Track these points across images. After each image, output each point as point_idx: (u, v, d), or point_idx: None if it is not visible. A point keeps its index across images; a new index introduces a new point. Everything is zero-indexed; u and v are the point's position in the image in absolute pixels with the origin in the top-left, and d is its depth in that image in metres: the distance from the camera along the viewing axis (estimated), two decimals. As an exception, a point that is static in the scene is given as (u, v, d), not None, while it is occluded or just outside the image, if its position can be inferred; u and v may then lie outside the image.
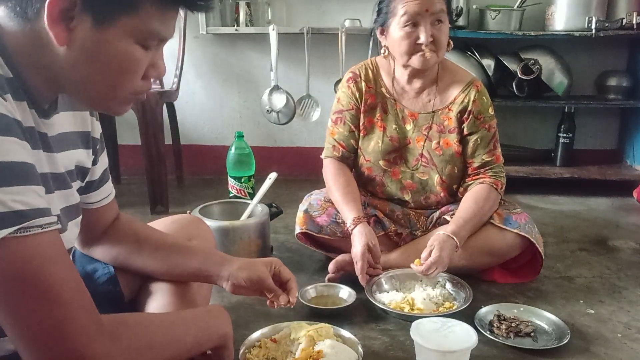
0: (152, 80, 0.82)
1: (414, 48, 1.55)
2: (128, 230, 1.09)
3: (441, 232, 1.52)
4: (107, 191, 1.06)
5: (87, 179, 0.99)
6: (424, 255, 1.48)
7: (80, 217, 0.96)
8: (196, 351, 0.90)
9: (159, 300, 1.09)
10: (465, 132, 1.66)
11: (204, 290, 1.20)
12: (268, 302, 1.12)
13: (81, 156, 0.94)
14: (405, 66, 1.62)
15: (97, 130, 0.99)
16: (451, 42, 1.62)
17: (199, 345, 0.90)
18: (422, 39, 1.52)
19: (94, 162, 0.99)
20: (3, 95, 0.68)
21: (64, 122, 0.87)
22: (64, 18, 0.69)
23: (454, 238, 1.49)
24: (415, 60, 1.57)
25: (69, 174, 0.89)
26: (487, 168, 1.67)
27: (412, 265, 1.50)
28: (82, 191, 0.99)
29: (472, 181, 1.67)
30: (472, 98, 1.64)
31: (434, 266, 1.45)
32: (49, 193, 0.78)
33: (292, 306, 1.11)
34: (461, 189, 1.71)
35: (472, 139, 1.66)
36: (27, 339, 0.67)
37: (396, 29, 1.55)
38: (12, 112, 0.68)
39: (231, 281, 1.07)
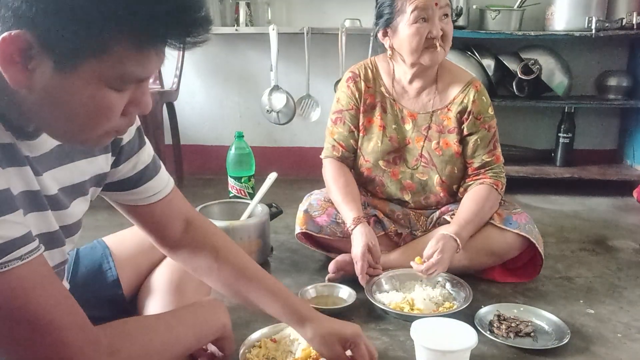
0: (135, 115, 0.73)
1: (425, 44, 1.55)
2: (206, 243, 1.03)
3: (443, 232, 1.52)
4: (160, 186, 0.99)
5: (113, 179, 0.94)
6: (426, 253, 1.48)
7: (80, 231, 0.92)
8: (196, 346, 0.91)
9: (158, 300, 1.09)
10: (465, 132, 1.66)
11: (204, 289, 1.20)
12: None
13: (93, 164, 0.89)
14: (413, 64, 1.61)
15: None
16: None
17: (199, 341, 0.90)
18: (435, 32, 1.52)
19: (116, 164, 0.93)
20: None
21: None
22: (20, 59, 0.61)
23: (456, 239, 1.49)
24: (426, 57, 1.56)
25: (65, 192, 0.84)
26: (487, 168, 1.67)
27: (412, 263, 1.50)
28: (112, 188, 0.94)
29: (472, 181, 1.67)
30: (471, 98, 1.64)
31: (435, 267, 1.45)
32: (43, 210, 0.75)
33: None
34: (461, 190, 1.71)
35: (472, 139, 1.66)
36: None
37: (405, 27, 1.55)
38: None
39: (311, 347, 1.04)
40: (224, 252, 1.03)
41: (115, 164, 0.93)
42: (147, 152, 0.97)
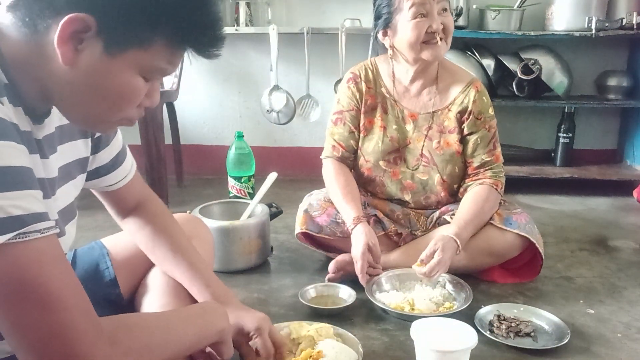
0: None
1: (425, 38, 1.54)
2: (149, 223, 1.11)
3: (443, 232, 1.52)
4: (124, 172, 1.08)
5: (92, 167, 1.00)
6: (426, 253, 1.48)
7: (76, 217, 0.96)
8: (195, 348, 0.91)
9: (155, 300, 1.09)
10: (466, 131, 1.66)
11: None
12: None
13: (79, 147, 0.94)
14: (415, 60, 1.61)
15: None
16: None
17: (198, 343, 0.90)
18: (435, 26, 1.52)
19: (95, 150, 1.00)
20: (0, 98, 0.68)
21: (55, 117, 0.85)
22: (74, 39, 0.69)
23: (457, 240, 1.49)
24: (428, 52, 1.56)
25: (65, 170, 0.89)
26: (486, 168, 1.67)
27: (413, 266, 1.50)
28: (91, 176, 1.01)
29: (471, 182, 1.67)
30: (472, 98, 1.64)
31: (437, 268, 1.45)
32: (46, 198, 0.77)
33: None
34: (461, 190, 1.71)
35: (472, 138, 1.66)
36: (26, 345, 0.66)
37: (404, 24, 1.55)
38: (10, 116, 0.68)
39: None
40: (161, 233, 1.11)
41: (94, 150, 0.99)
42: (119, 138, 1.06)
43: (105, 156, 1.02)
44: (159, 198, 1.19)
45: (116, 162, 1.05)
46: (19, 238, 0.65)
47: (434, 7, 1.53)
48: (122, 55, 0.71)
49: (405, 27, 1.55)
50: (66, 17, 0.67)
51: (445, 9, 1.56)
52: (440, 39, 1.54)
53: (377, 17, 1.62)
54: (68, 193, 0.92)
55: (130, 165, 1.10)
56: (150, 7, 0.70)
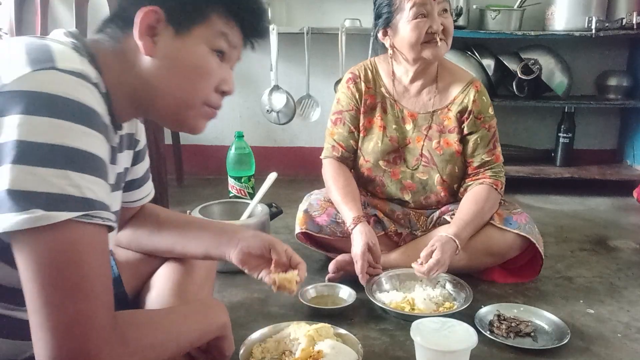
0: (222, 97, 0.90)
1: (425, 38, 1.55)
2: (151, 214, 1.13)
3: (443, 233, 1.52)
4: (147, 190, 1.11)
5: (128, 178, 1.03)
6: (423, 254, 1.48)
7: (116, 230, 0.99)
8: (197, 344, 0.92)
9: (159, 299, 1.09)
10: (466, 131, 1.66)
11: (205, 289, 1.20)
12: (268, 276, 1.06)
13: (126, 157, 0.98)
14: (416, 60, 1.61)
15: (140, 131, 1.03)
16: None
17: (199, 339, 0.91)
18: (435, 27, 1.53)
19: (134, 163, 1.03)
20: (99, 102, 0.74)
21: (124, 127, 0.92)
22: (150, 31, 0.80)
23: (456, 240, 1.49)
24: (428, 52, 1.56)
25: (118, 178, 0.93)
26: (486, 167, 1.67)
27: (413, 265, 1.50)
28: (125, 188, 1.03)
29: (471, 182, 1.68)
30: (471, 98, 1.64)
31: (435, 267, 1.45)
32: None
33: (301, 281, 1.07)
34: (461, 190, 1.71)
35: (472, 138, 1.66)
36: (47, 326, 0.66)
37: (405, 24, 1.55)
38: (105, 118, 0.75)
39: (240, 246, 1.05)
40: (164, 215, 1.14)
41: (133, 162, 1.03)
42: (147, 157, 1.10)
43: (139, 170, 1.06)
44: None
45: (145, 178, 1.09)
46: (84, 219, 0.68)
47: (435, 7, 1.53)
48: (190, 33, 0.82)
49: (405, 27, 1.55)
50: (140, 14, 0.79)
51: (445, 10, 1.56)
52: (441, 40, 1.54)
53: (377, 17, 1.62)
54: (116, 201, 0.94)
55: (152, 185, 1.13)
56: None
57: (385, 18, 1.59)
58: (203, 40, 0.83)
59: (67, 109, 0.68)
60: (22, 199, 0.65)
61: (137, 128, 1.02)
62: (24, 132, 0.66)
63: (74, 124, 0.68)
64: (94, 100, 0.72)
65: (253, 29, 0.89)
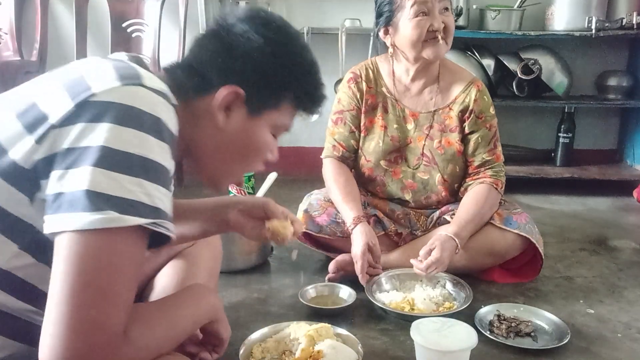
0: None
1: (426, 36, 1.55)
2: None
3: (443, 232, 1.52)
4: None
5: None
6: (422, 252, 1.48)
7: None
8: (192, 330, 0.92)
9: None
10: (467, 130, 1.66)
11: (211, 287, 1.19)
12: (266, 233, 1.11)
13: None
14: (417, 59, 1.61)
15: None
16: None
17: (194, 324, 0.91)
18: (436, 25, 1.53)
19: None
20: (175, 122, 0.80)
21: None
22: (227, 107, 0.87)
23: (455, 240, 1.49)
24: (429, 51, 1.56)
25: None
26: (487, 167, 1.67)
27: (412, 261, 1.50)
28: None
29: (472, 181, 1.68)
30: (473, 97, 1.64)
31: (434, 266, 1.45)
32: None
33: (297, 233, 1.14)
34: (462, 189, 1.71)
35: (473, 137, 1.66)
36: (64, 321, 0.66)
37: (406, 22, 1.55)
38: (175, 137, 0.80)
39: (237, 208, 1.12)
40: None
41: None
42: None
43: None
44: None
45: None
46: (151, 226, 0.72)
47: (436, 5, 1.53)
48: (261, 116, 0.90)
49: (406, 25, 1.55)
50: (225, 91, 0.85)
51: (446, 8, 1.56)
52: (442, 38, 1.55)
53: (378, 15, 1.63)
54: None
55: None
56: (284, 75, 0.89)
57: (386, 17, 1.59)
58: (269, 124, 0.91)
59: (150, 123, 0.74)
60: (98, 199, 0.68)
61: None
62: (108, 139, 0.70)
63: (154, 138, 0.74)
64: (172, 120, 0.78)
65: (311, 112, 0.98)
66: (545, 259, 1.64)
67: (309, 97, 0.95)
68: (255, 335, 1.23)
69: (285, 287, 1.63)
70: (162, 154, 0.75)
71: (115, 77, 0.76)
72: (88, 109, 0.72)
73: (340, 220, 1.66)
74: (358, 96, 1.71)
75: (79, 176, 0.69)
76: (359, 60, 1.82)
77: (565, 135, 2.78)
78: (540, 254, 1.60)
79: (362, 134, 1.72)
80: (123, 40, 2.85)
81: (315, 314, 1.43)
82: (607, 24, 2.51)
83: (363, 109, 1.71)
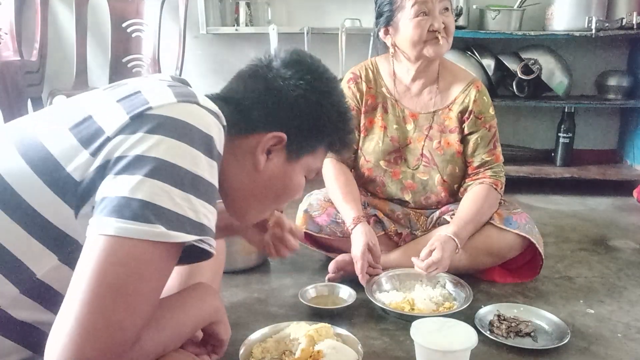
0: None
1: (427, 36, 1.55)
2: None
3: (442, 232, 1.52)
4: None
5: None
6: (423, 253, 1.48)
7: None
8: (194, 331, 0.91)
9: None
10: (466, 131, 1.66)
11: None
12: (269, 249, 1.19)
13: None
14: (417, 58, 1.61)
15: None
16: None
17: (196, 325, 0.90)
18: (436, 25, 1.53)
19: None
20: (223, 143, 0.82)
21: None
22: (268, 151, 0.90)
23: (455, 240, 1.49)
24: (430, 49, 1.56)
25: None
26: (486, 167, 1.67)
27: (413, 259, 1.50)
28: None
29: (471, 181, 1.68)
30: (472, 98, 1.64)
31: (434, 266, 1.45)
32: None
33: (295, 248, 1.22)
34: (461, 190, 1.71)
35: (473, 138, 1.66)
36: (81, 324, 0.65)
37: (406, 22, 1.55)
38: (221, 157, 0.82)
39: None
40: None
41: None
42: None
43: None
44: None
45: None
46: (197, 243, 0.74)
47: (436, 5, 1.53)
48: (299, 161, 0.93)
49: (407, 25, 1.55)
50: (270, 135, 0.88)
51: (447, 9, 1.56)
52: (442, 38, 1.55)
53: (378, 15, 1.63)
54: None
55: None
56: (325, 124, 0.93)
57: (386, 16, 1.59)
58: (304, 168, 0.95)
59: (203, 141, 0.76)
60: (146, 210, 0.69)
61: None
62: (163, 152, 0.72)
63: (205, 155, 0.76)
64: (221, 140, 0.80)
65: (341, 154, 1.07)
66: (545, 259, 1.64)
67: (342, 143, 0.99)
68: (255, 335, 1.23)
69: (285, 287, 1.63)
70: (210, 171, 0.77)
71: (171, 94, 0.78)
72: (144, 122, 0.74)
73: (340, 220, 1.66)
74: (358, 96, 1.71)
75: (130, 183, 0.70)
76: (359, 60, 1.82)
77: (565, 135, 2.78)
78: (540, 254, 1.60)
79: (361, 135, 1.72)
80: (123, 40, 2.85)
81: (315, 314, 1.43)
82: (607, 24, 2.51)
83: (363, 109, 1.71)
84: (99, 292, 0.66)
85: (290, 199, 0.98)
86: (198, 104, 0.79)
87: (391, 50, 1.66)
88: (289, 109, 0.90)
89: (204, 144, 0.76)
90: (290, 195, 0.96)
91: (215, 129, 0.79)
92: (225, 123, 0.83)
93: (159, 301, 0.74)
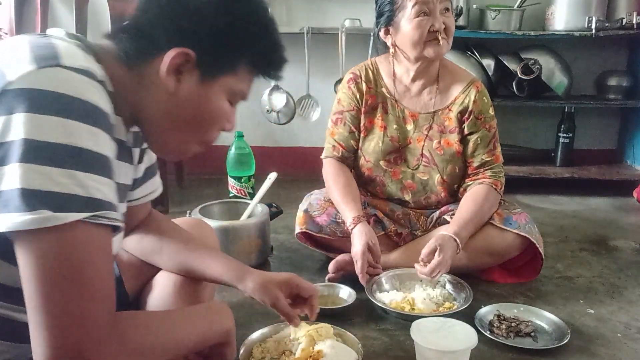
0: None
1: (427, 37, 1.55)
2: (154, 228, 1.12)
3: (443, 232, 1.52)
4: (150, 188, 1.08)
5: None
6: (425, 252, 1.48)
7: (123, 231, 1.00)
8: (199, 348, 0.91)
9: (162, 299, 1.09)
10: (466, 131, 1.66)
11: (209, 289, 1.19)
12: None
13: (137, 155, 0.98)
14: (417, 58, 1.61)
15: None
16: None
17: (202, 342, 0.90)
18: (437, 25, 1.53)
19: (139, 161, 1.02)
20: (105, 100, 0.74)
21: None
22: (176, 71, 0.79)
23: (456, 240, 1.49)
24: (430, 50, 1.56)
25: (134, 179, 0.94)
26: (486, 168, 1.67)
27: (416, 266, 1.50)
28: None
29: (471, 181, 1.68)
30: (472, 98, 1.64)
31: (438, 269, 1.45)
32: (120, 202, 0.81)
33: (312, 319, 1.15)
34: (461, 190, 1.71)
35: (472, 138, 1.66)
36: (46, 323, 0.66)
37: (407, 22, 1.55)
38: (112, 118, 0.74)
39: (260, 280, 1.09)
40: (166, 233, 1.12)
41: (139, 160, 1.01)
42: (152, 153, 1.06)
43: (142, 167, 1.04)
44: (159, 212, 1.20)
45: (146, 175, 1.06)
46: (91, 219, 0.68)
47: (437, 6, 1.53)
48: (216, 81, 0.82)
49: (407, 25, 1.55)
50: (173, 52, 0.77)
51: (447, 9, 1.56)
52: (442, 38, 1.55)
53: (379, 15, 1.63)
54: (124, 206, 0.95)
55: (159, 182, 1.11)
56: (239, 37, 0.81)
57: (387, 16, 1.59)
58: (224, 90, 0.84)
59: (73, 107, 0.68)
60: (30, 198, 0.64)
61: None
62: (30, 131, 0.65)
63: (80, 122, 0.68)
64: (100, 98, 0.72)
65: (271, 76, 0.91)
66: (545, 259, 1.64)
67: (267, 60, 0.87)
68: (255, 335, 1.23)
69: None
70: (94, 139, 0.69)
71: (30, 59, 0.69)
72: (5, 101, 0.67)
73: (340, 220, 1.66)
74: (358, 96, 1.71)
75: (9, 174, 0.65)
76: (359, 60, 1.82)
77: (565, 135, 2.78)
78: (540, 253, 1.60)
79: (361, 135, 1.72)
80: (123, 40, 2.85)
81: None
82: (607, 24, 2.51)
83: (363, 109, 1.71)
84: (42, 292, 0.66)
85: (215, 128, 0.87)
86: (61, 65, 0.70)
87: (391, 50, 1.66)
88: (193, 20, 0.78)
89: (78, 111, 0.68)
90: (212, 121, 0.85)
91: (87, 88, 0.70)
92: (100, 78, 0.74)
93: (110, 278, 0.72)
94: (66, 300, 0.66)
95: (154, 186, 1.09)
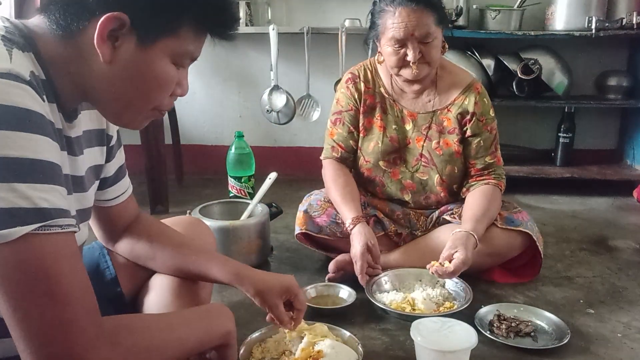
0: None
1: (402, 63, 1.56)
2: (144, 234, 1.10)
3: (459, 230, 1.50)
4: (123, 188, 1.08)
5: (101, 176, 1.01)
6: (444, 255, 1.45)
7: (90, 219, 0.99)
8: (197, 351, 0.90)
9: (159, 300, 1.09)
10: (469, 133, 1.66)
11: (207, 289, 1.19)
12: (268, 317, 1.13)
13: (96, 154, 0.96)
14: (397, 76, 1.63)
15: (112, 127, 1.01)
16: (446, 45, 1.62)
17: (201, 345, 0.89)
18: (410, 56, 1.53)
19: (107, 159, 1.01)
20: (41, 96, 0.70)
21: (83, 121, 0.89)
22: (111, 37, 0.74)
23: (474, 235, 1.48)
24: (406, 72, 1.57)
25: (87, 174, 0.91)
26: (490, 170, 1.67)
27: (428, 267, 1.45)
28: (100, 186, 1.01)
29: (475, 182, 1.67)
30: (473, 100, 1.64)
31: (462, 267, 1.41)
32: (69, 195, 0.79)
33: (290, 330, 1.16)
34: (464, 190, 1.70)
35: (475, 141, 1.66)
36: (28, 336, 0.66)
37: (385, 45, 1.57)
38: (48, 113, 0.71)
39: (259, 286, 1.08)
40: (157, 238, 1.10)
41: (107, 159, 1.01)
42: (122, 152, 1.07)
43: (112, 167, 1.04)
44: (149, 215, 1.19)
45: (119, 175, 1.06)
46: (41, 230, 0.66)
47: (412, 39, 1.51)
48: (155, 44, 0.77)
49: (385, 48, 1.57)
50: (103, 17, 0.72)
51: (427, 36, 1.51)
52: (416, 68, 1.54)
53: (370, 26, 1.64)
54: (90, 196, 0.95)
55: (128, 182, 1.11)
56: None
57: (375, 32, 1.61)
58: (167, 54, 0.78)
59: (2, 116, 0.64)
60: None
61: (108, 124, 0.99)
62: None
63: (11, 131, 0.64)
64: (30, 100, 0.67)
65: (222, 36, 0.84)
66: (545, 259, 1.64)
67: (214, 19, 0.82)
68: (255, 335, 1.23)
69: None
70: (29, 145, 0.65)
71: None
72: None
73: (340, 221, 1.66)
74: (356, 96, 1.71)
75: None
76: (358, 60, 1.83)
77: (565, 135, 2.78)
78: (540, 253, 1.60)
79: (360, 135, 1.73)
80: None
81: (315, 314, 1.43)
82: (607, 24, 2.51)
83: (362, 110, 1.71)
84: (16, 306, 0.65)
85: (164, 94, 0.82)
86: None
87: (379, 56, 1.66)
88: None
89: (8, 119, 0.64)
90: (159, 87, 0.81)
91: (13, 92, 0.65)
92: (25, 75, 0.68)
93: (84, 280, 0.71)
94: (40, 311, 0.66)
95: (125, 186, 1.09)
